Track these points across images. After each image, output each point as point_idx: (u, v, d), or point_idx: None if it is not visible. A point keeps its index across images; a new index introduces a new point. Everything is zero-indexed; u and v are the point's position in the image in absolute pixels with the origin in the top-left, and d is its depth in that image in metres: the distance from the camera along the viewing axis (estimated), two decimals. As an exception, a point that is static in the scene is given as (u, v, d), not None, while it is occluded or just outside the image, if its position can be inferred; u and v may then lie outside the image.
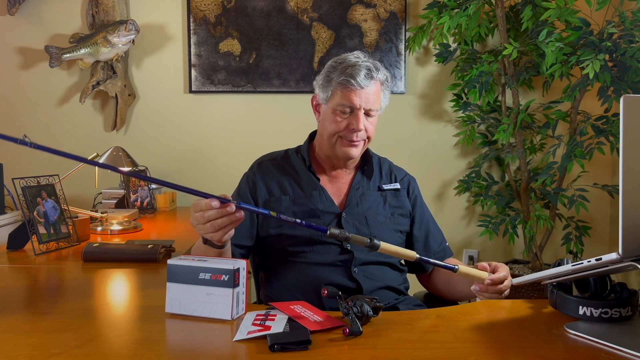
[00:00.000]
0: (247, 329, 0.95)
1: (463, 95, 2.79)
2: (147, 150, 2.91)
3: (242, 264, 1.04)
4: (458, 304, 1.40)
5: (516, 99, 2.62)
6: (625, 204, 0.87)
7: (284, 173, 1.47)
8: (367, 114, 1.39)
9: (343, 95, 1.36)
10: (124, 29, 2.70)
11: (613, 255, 0.89)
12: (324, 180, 1.47)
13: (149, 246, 1.56)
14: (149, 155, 2.88)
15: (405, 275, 1.49)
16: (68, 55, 2.79)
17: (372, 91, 1.37)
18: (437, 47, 2.78)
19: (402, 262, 1.47)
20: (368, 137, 1.42)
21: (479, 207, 2.93)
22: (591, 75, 2.18)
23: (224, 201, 1.06)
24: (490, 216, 2.78)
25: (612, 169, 2.85)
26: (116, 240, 1.92)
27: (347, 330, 0.94)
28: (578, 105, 2.53)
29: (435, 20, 2.68)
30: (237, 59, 2.88)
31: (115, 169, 1.19)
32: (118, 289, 1.33)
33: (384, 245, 1.14)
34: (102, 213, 2.07)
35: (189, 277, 1.03)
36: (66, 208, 1.80)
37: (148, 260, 1.52)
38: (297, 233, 1.36)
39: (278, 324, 0.97)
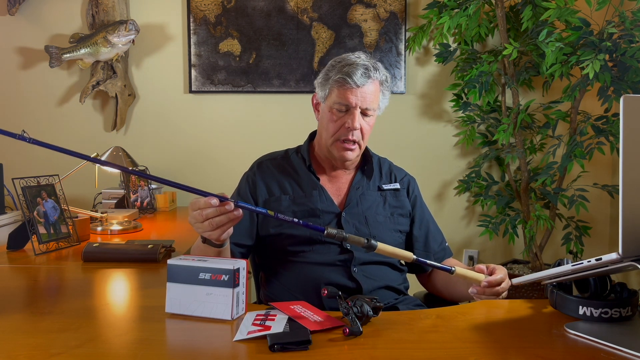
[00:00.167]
0: (247, 329, 0.95)
1: (463, 95, 2.79)
2: (147, 150, 2.91)
3: (242, 264, 1.04)
4: (458, 304, 1.40)
5: (516, 99, 2.62)
6: (625, 204, 0.87)
7: (284, 173, 1.47)
8: (364, 113, 1.38)
9: (339, 93, 1.36)
10: (124, 29, 2.70)
11: (613, 255, 0.89)
12: (323, 180, 1.47)
13: (149, 246, 1.56)
14: (149, 155, 2.88)
15: (405, 275, 1.49)
16: (68, 55, 2.79)
17: (370, 90, 1.37)
18: (437, 47, 2.78)
19: (402, 262, 1.47)
20: (362, 138, 1.40)
21: (479, 207, 2.93)
22: (591, 75, 2.18)
23: (222, 199, 1.06)
24: (490, 216, 2.78)
25: (612, 169, 2.85)
26: (116, 240, 1.92)
27: (347, 330, 0.94)
28: (578, 105, 2.53)
29: (435, 20, 2.68)
30: (237, 59, 2.88)
31: (114, 165, 1.19)
32: (118, 289, 1.33)
33: (381, 246, 1.14)
34: (102, 213, 2.07)
35: (189, 277, 1.03)
36: (66, 208, 1.80)
37: (148, 260, 1.52)
38: (297, 232, 1.36)
39: (278, 324, 0.97)
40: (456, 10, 2.61)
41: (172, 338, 0.97)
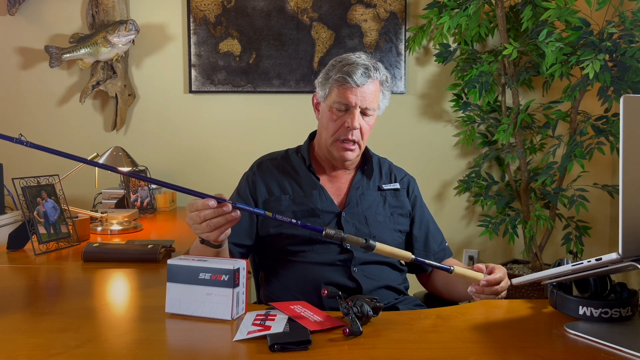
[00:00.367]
0: (247, 329, 0.95)
1: (463, 95, 2.79)
2: (147, 150, 2.91)
3: (242, 264, 1.04)
4: (458, 304, 1.40)
5: (516, 99, 2.62)
6: (625, 204, 0.87)
7: (284, 173, 1.47)
8: (364, 113, 1.39)
9: (339, 92, 1.36)
10: (124, 29, 2.70)
11: (613, 255, 0.89)
12: (323, 180, 1.47)
13: (149, 246, 1.56)
14: (149, 155, 2.88)
15: (405, 275, 1.49)
16: (68, 55, 2.79)
17: (370, 90, 1.37)
18: (437, 47, 2.78)
19: (402, 262, 1.47)
20: (362, 137, 1.41)
21: (479, 207, 2.93)
22: (591, 75, 2.18)
23: (220, 201, 1.06)
24: (490, 216, 2.78)
25: (612, 169, 2.85)
26: (116, 240, 1.92)
27: (347, 330, 0.94)
28: (578, 105, 2.53)
29: (435, 20, 2.68)
30: (237, 59, 2.88)
31: (104, 167, 1.19)
32: (118, 289, 1.33)
33: (380, 246, 1.14)
34: (102, 213, 2.07)
35: (189, 277, 1.03)
36: (66, 208, 1.80)
37: (148, 260, 1.52)
38: (297, 232, 1.36)
39: (278, 324, 0.97)
40: (456, 10, 2.61)
41: (172, 338, 0.97)
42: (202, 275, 1.02)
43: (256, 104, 2.94)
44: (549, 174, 2.54)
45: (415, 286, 1.57)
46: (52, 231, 1.71)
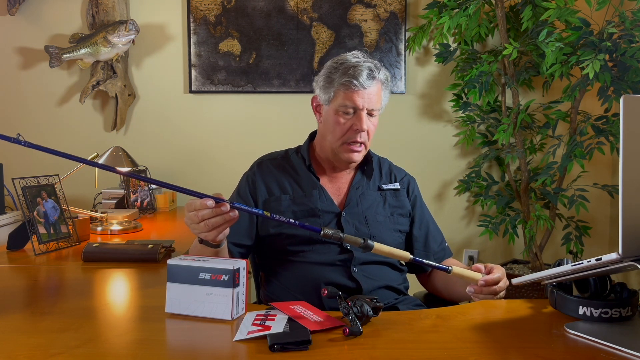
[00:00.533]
0: (247, 329, 0.95)
1: (463, 95, 2.79)
2: (147, 150, 2.91)
3: (242, 264, 1.04)
4: (458, 304, 1.40)
5: (516, 99, 2.62)
6: (625, 204, 0.87)
7: (283, 173, 1.47)
8: (370, 114, 1.39)
9: (346, 96, 1.36)
10: (124, 29, 2.70)
11: (613, 255, 0.89)
12: (323, 180, 1.47)
13: (149, 246, 1.56)
14: (149, 155, 2.88)
15: (405, 275, 1.49)
16: (68, 55, 2.79)
17: (374, 91, 1.38)
18: (437, 47, 2.78)
19: (402, 261, 1.47)
20: (368, 138, 1.42)
21: (479, 207, 2.93)
22: (591, 75, 2.18)
23: (218, 200, 1.07)
24: (490, 216, 2.78)
25: (612, 169, 2.85)
26: (116, 240, 1.92)
27: (347, 330, 0.94)
28: (578, 105, 2.53)
29: (435, 20, 2.68)
30: (237, 59, 2.88)
31: (102, 166, 1.19)
32: (118, 289, 1.33)
33: (378, 246, 1.14)
34: (102, 213, 2.07)
35: (189, 277, 1.03)
36: (66, 208, 1.80)
37: (148, 260, 1.52)
38: (297, 232, 1.36)
39: (278, 324, 0.97)
40: (456, 10, 2.61)
41: (172, 338, 0.97)
42: (202, 275, 1.02)
43: (256, 104, 2.94)
44: (549, 174, 2.54)
45: (415, 286, 1.57)
46: (52, 231, 1.71)
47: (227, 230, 1.13)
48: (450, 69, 2.85)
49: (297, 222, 1.14)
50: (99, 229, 2.04)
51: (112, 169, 1.19)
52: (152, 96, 2.95)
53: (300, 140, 1.56)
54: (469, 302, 1.25)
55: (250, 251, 1.45)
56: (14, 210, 2.35)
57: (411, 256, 1.17)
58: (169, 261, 1.05)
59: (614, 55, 2.30)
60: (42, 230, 1.68)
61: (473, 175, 2.84)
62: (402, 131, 2.91)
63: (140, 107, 2.95)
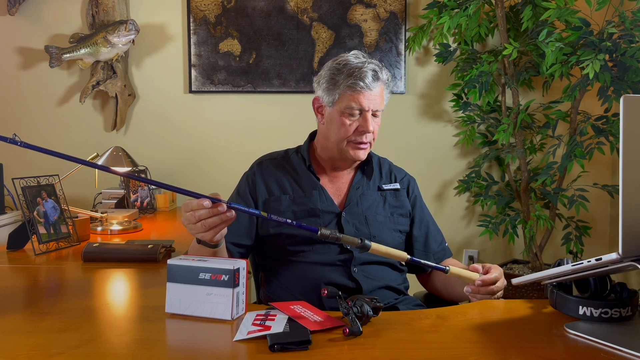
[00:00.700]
0: (247, 329, 0.95)
1: (463, 95, 2.79)
2: (147, 150, 2.91)
3: (242, 264, 1.04)
4: (458, 304, 1.40)
5: (516, 99, 2.62)
6: (625, 204, 0.87)
7: (284, 172, 1.47)
8: (374, 114, 1.40)
9: (352, 97, 1.36)
10: (124, 29, 2.70)
11: (613, 255, 0.89)
12: (324, 180, 1.47)
13: (149, 246, 1.56)
14: (149, 155, 2.88)
15: (405, 275, 1.49)
16: (68, 55, 2.79)
17: (378, 92, 1.39)
18: (437, 47, 2.78)
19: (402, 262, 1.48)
20: (374, 138, 1.43)
21: (479, 207, 2.93)
22: (591, 75, 2.18)
23: (215, 201, 1.07)
24: (490, 216, 2.78)
25: (612, 169, 2.85)
26: (116, 240, 1.92)
27: (347, 330, 0.94)
28: (578, 105, 2.53)
29: (435, 20, 2.68)
30: (237, 59, 2.88)
31: (98, 166, 1.19)
32: (118, 289, 1.33)
33: (375, 246, 1.15)
34: (102, 213, 2.07)
35: (189, 277, 1.03)
36: (66, 208, 1.80)
37: (148, 260, 1.52)
38: (297, 232, 1.36)
39: (278, 324, 0.97)
40: (456, 10, 2.61)
41: (172, 338, 0.97)
42: (202, 275, 1.02)
43: (256, 104, 2.94)
44: (549, 174, 2.54)
45: (415, 286, 1.57)
46: (52, 231, 1.71)
47: (225, 231, 1.13)
48: (450, 69, 2.85)
49: (295, 222, 1.14)
50: (99, 229, 2.04)
51: (107, 169, 1.19)
52: (152, 96, 2.95)
53: (300, 140, 1.56)
54: (469, 302, 1.25)
55: (250, 251, 1.46)
56: (14, 210, 2.35)
57: (408, 256, 1.18)
58: (169, 261, 1.05)
59: (614, 55, 2.30)
60: (42, 230, 1.68)
61: (473, 175, 2.84)
62: (402, 131, 2.91)
63: (140, 107, 2.95)
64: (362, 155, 1.43)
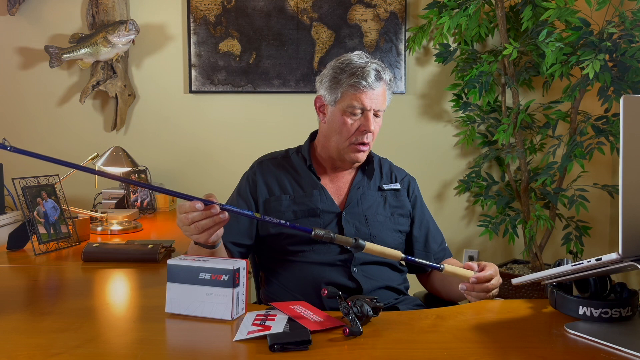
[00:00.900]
0: (247, 329, 0.95)
1: (463, 95, 2.79)
2: (147, 150, 2.91)
3: (242, 264, 1.04)
4: (457, 304, 1.40)
5: (516, 99, 2.62)
6: (625, 204, 0.87)
7: (284, 172, 1.47)
8: (375, 114, 1.40)
9: (354, 96, 1.37)
10: (124, 29, 2.70)
11: (613, 255, 0.89)
12: (324, 180, 1.47)
13: (149, 246, 1.56)
14: (149, 155, 2.88)
15: (405, 275, 1.49)
16: (68, 55, 2.79)
17: (380, 92, 1.39)
18: (437, 47, 2.78)
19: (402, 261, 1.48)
20: (373, 138, 1.43)
21: (479, 207, 2.93)
22: (591, 75, 2.18)
23: (207, 203, 1.06)
24: (490, 216, 2.78)
25: (612, 169, 2.85)
26: (116, 240, 1.92)
27: (347, 330, 0.94)
28: (578, 105, 2.53)
29: (435, 20, 2.68)
30: (237, 59, 2.88)
31: (87, 170, 1.19)
32: (118, 289, 1.33)
33: (369, 246, 1.15)
34: (102, 213, 2.07)
35: (189, 277, 1.03)
36: (66, 208, 1.80)
37: (148, 260, 1.53)
38: (297, 232, 1.36)
39: (278, 324, 0.97)
40: (456, 10, 2.61)
41: (172, 338, 0.97)
42: (202, 275, 1.02)
43: (256, 104, 2.94)
44: (549, 174, 2.54)
45: (415, 286, 1.57)
46: (52, 231, 1.71)
47: (221, 232, 1.13)
48: (450, 69, 2.85)
49: (288, 223, 1.14)
50: (99, 229, 2.04)
51: (101, 173, 1.19)
52: (152, 96, 2.95)
53: (300, 140, 1.56)
54: (469, 302, 1.25)
55: (250, 251, 1.45)
56: (14, 210, 2.35)
57: (402, 255, 1.18)
58: (169, 261, 1.05)
59: (614, 55, 2.30)
60: (42, 230, 1.68)
61: (473, 175, 2.84)
62: (402, 131, 2.91)
63: (140, 107, 2.96)
64: (361, 157, 1.43)
